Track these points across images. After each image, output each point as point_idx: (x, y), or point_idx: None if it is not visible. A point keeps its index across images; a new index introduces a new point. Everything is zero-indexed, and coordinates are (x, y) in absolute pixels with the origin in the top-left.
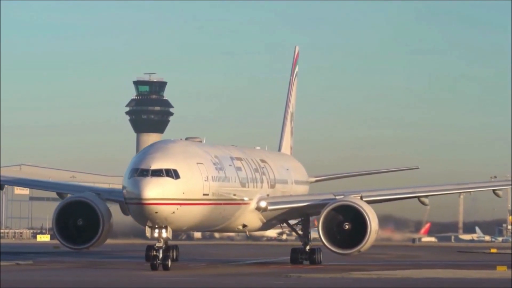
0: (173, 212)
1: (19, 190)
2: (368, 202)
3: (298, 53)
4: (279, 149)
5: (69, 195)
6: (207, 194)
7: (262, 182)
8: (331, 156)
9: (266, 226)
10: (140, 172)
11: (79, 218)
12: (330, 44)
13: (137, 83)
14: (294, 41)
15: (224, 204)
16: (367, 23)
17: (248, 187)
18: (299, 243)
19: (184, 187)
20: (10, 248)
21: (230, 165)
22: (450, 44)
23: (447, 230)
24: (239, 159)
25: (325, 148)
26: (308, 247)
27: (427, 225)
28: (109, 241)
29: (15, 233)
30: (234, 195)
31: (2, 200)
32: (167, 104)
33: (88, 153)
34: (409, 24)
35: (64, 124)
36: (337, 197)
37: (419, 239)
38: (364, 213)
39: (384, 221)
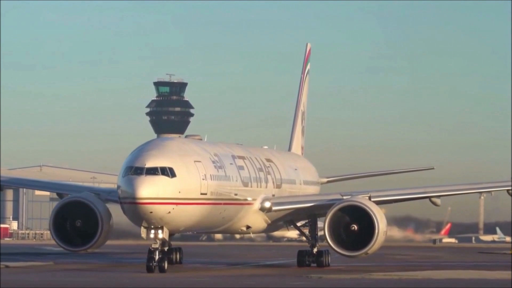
0: (169, 212)
1: (39, 191)
2: (377, 202)
3: (310, 50)
4: (289, 149)
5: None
6: (205, 194)
7: (266, 182)
8: (345, 156)
9: (272, 227)
10: (135, 170)
11: (77, 219)
12: (343, 41)
13: (157, 84)
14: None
15: (224, 204)
16: (382, 20)
17: (251, 186)
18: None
19: (180, 186)
20: (30, 249)
21: (231, 163)
22: (466, 42)
23: (468, 231)
24: (242, 157)
25: (339, 149)
26: (315, 249)
27: (448, 226)
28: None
29: (35, 234)
30: (236, 194)
31: (22, 201)
32: (188, 105)
33: (109, 154)
34: (425, 21)
35: (85, 125)
36: (344, 197)
37: (440, 240)
38: (371, 213)
39: (404, 222)
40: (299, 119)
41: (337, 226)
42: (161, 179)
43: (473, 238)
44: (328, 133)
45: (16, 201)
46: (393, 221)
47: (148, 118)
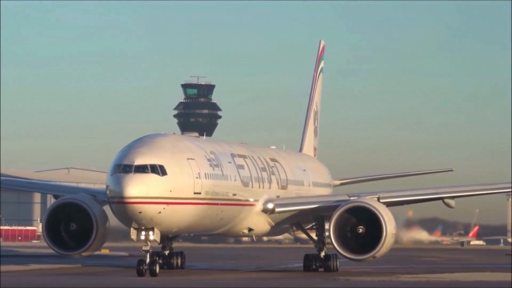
0: (159, 212)
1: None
2: (387, 204)
3: (323, 48)
4: (300, 150)
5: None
6: (199, 193)
7: (270, 182)
8: (360, 158)
9: (276, 230)
10: (123, 168)
11: (71, 221)
12: (356, 39)
13: (185, 86)
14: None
15: (222, 204)
16: (402, 18)
17: (252, 187)
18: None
19: (171, 184)
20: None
21: (229, 162)
22: (488, 42)
23: (496, 233)
24: (243, 156)
25: (355, 151)
26: (323, 253)
27: (476, 228)
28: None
29: None
30: (234, 195)
31: (49, 204)
32: (215, 107)
33: None
34: (448, 21)
35: (113, 127)
36: (351, 198)
37: (468, 242)
38: (379, 215)
39: (432, 224)
40: (311, 119)
41: (343, 228)
42: (151, 177)
43: (501, 240)
44: (344, 134)
45: (44, 203)
46: (420, 223)
47: (175, 120)
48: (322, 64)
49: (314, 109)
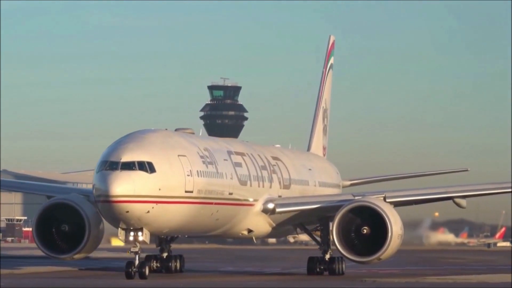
0: (148, 212)
1: None
2: (394, 203)
3: (333, 43)
4: (308, 149)
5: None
6: (191, 191)
7: (271, 181)
8: (373, 158)
9: (278, 231)
10: (109, 165)
11: (63, 223)
12: (368, 35)
13: (211, 88)
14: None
15: (216, 204)
16: (417, 16)
17: (251, 186)
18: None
19: (160, 182)
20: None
21: (225, 159)
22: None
23: None
24: (241, 154)
25: (367, 150)
26: (327, 256)
27: (502, 230)
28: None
29: None
30: (231, 194)
31: None
32: (242, 108)
33: None
34: (459, 18)
35: (140, 129)
36: (356, 197)
37: (494, 244)
38: (384, 215)
39: (458, 225)
40: (320, 117)
41: (347, 229)
42: (138, 174)
43: None
44: (355, 133)
45: None
46: (446, 224)
47: (202, 122)
48: (331, 60)
49: (323, 107)
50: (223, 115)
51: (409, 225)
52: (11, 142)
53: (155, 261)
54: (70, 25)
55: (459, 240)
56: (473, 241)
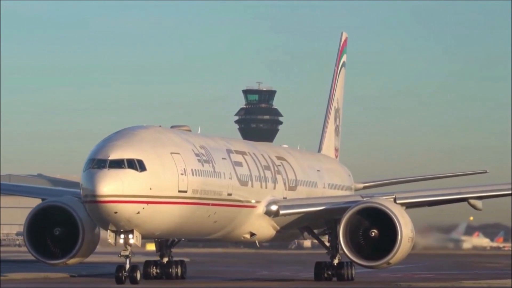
0: (138, 213)
1: None
2: (405, 205)
3: (345, 40)
4: (319, 150)
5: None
6: (185, 191)
7: (275, 182)
8: (388, 160)
9: (283, 235)
10: (97, 163)
11: (55, 226)
12: (380, 32)
13: (246, 92)
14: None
15: (213, 205)
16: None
17: (253, 186)
18: None
19: (151, 181)
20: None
21: (224, 158)
22: None
23: None
24: (241, 153)
25: (381, 152)
26: (336, 261)
27: None
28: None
29: None
30: (230, 194)
31: None
32: (276, 113)
33: None
34: (470, 16)
35: None
36: (364, 198)
37: None
38: (393, 217)
39: (494, 230)
40: (332, 117)
41: (354, 232)
42: (128, 173)
43: None
44: (370, 135)
45: None
46: (481, 229)
47: (237, 126)
48: (344, 58)
49: (335, 106)
50: (258, 119)
51: (444, 230)
52: (46, 145)
53: (154, 267)
54: (101, 26)
55: (494, 244)
56: (509, 246)
